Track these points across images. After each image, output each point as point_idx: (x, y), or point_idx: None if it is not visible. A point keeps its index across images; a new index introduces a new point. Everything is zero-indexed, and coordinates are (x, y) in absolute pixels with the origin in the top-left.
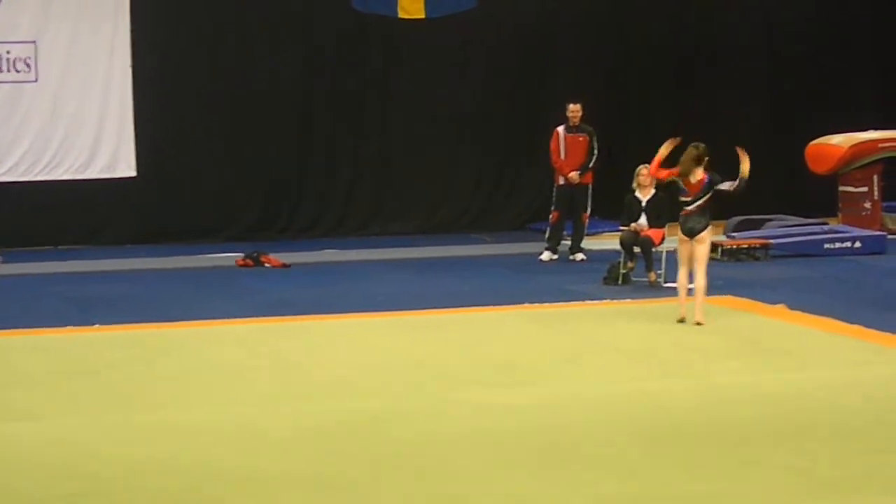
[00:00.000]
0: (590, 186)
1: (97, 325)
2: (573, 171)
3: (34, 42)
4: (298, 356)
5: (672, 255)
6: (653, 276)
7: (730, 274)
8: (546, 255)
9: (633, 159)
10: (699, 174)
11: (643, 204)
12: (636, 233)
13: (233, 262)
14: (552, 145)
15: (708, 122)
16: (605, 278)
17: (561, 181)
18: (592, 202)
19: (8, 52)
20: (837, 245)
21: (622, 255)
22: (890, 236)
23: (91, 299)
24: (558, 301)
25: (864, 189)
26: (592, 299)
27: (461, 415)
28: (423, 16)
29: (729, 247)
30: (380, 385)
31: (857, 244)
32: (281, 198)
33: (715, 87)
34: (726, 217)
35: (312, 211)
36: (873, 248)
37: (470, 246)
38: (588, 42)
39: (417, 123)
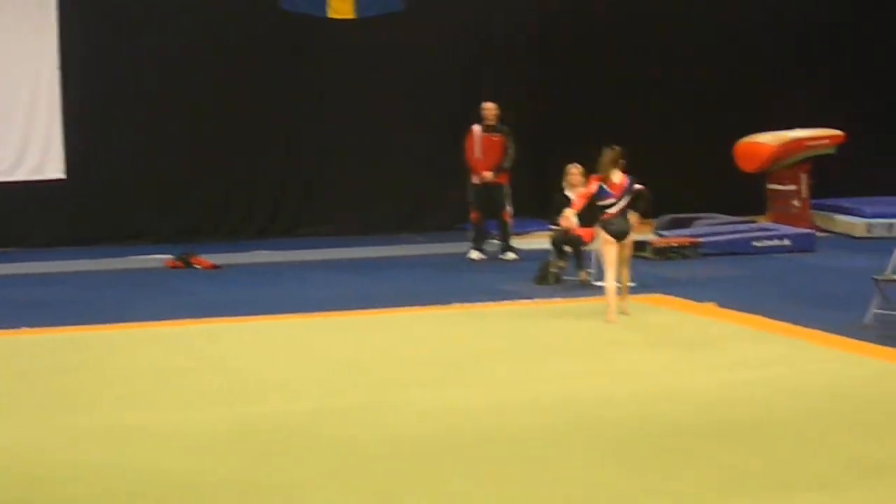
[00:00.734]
0: (505, 186)
1: (25, 329)
2: (488, 170)
3: None
4: (231, 358)
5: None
6: (584, 274)
7: (659, 272)
8: (475, 255)
9: (561, 159)
10: (619, 176)
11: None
12: (567, 232)
13: (162, 264)
14: (467, 144)
15: (635, 122)
16: (536, 277)
17: (476, 180)
18: (521, 200)
19: None
20: (766, 243)
21: (553, 254)
22: (818, 234)
23: (20, 302)
24: (489, 300)
25: (793, 187)
26: (523, 298)
27: (394, 415)
28: (352, 16)
29: (658, 245)
30: (313, 386)
31: (786, 242)
32: (211, 199)
33: (642, 86)
34: (656, 216)
35: (242, 212)
36: (802, 245)
37: (401, 246)
38: (517, 42)
39: (347, 124)
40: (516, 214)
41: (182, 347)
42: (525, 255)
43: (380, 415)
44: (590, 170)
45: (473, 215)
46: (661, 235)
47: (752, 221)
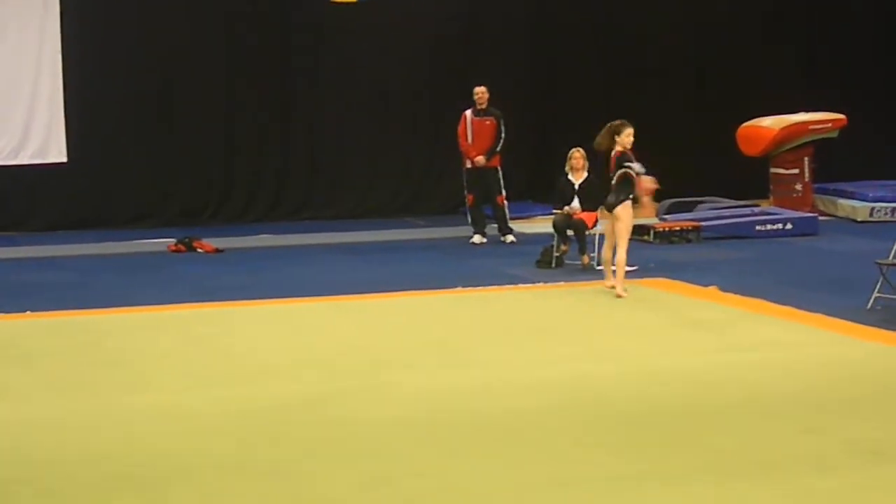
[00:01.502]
0: (498, 169)
1: (29, 312)
2: (480, 154)
3: None
4: (232, 341)
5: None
6: (586, 258)
7: (662, 256)
8: (476, 238)
9: (565, 143)
10: (616, 150)
11: (576, 187)
12: (569, 216)
13: (165, 248)
14: (459, 129)
15: (639, 105)
16: (538, 261)
17: (468, 164)
18: (525, 185)
19: None
20: (769, 227)
21: (555, 238)
22: (821, 218)
23: (23, 286)
24: (492, 284)
25: (795, 171)
26: (526, 282)
27: (394, 398)
28: (354, 0)
29: (661, 229)
30: (314, 369)
31: (789, 226)
32: (213, 183)
33: (645, 69)
34: (658, 199)
35: (244, 196)
36: (805, 229)
37: (403, 230)
38: (515, 27)
39: (347, 108)
40: (518, 198)
41: (184, 331)
42: (527, 240)
43: (380, 397)
44: (592, 153)
45: (469, 199)
46: (663, 219)
47: (755, 205)
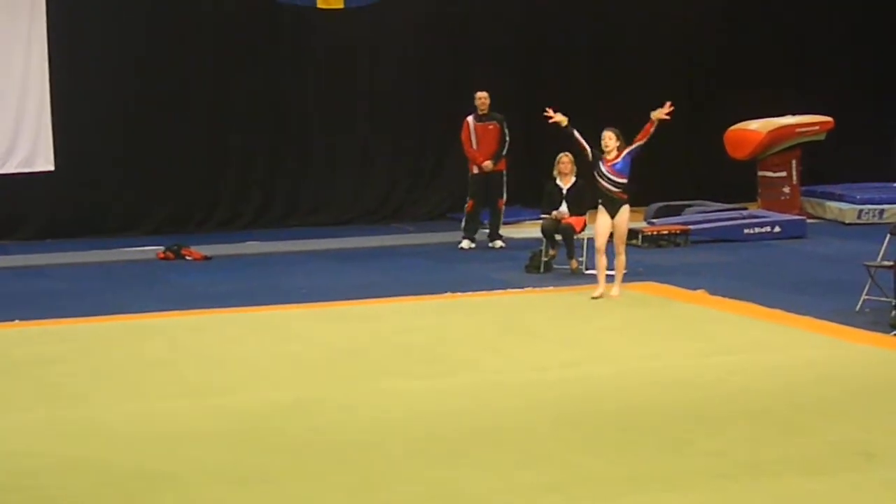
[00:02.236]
0: (504, 173)
1: (17, 321)
2: (486, 159)
3: None
4: (220, 349)
5: (594, 242)
6: (574, 263)
7: (650, 260)
8: (465, 244)
9: (552, 147)
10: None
11: (564, 192)
12: (557, 221)
13: (154, 256)
14: (463, 135)
15: (626, 111)
16: (527, 266)
17: (475, 170)
18: (514, 190)
19: None
20: (757, 230)
21: (544, 243)
22: (809, 220)
23: (11, 295)
24: (481, 289)
25: (783, 174)
26: (515, 287)
27: (384, 404)
28: (341, 6)
29: (649, 233)
30: (303, 376)
31: (777, 229)
32: (201, 190)
33: (631, 74)
34: (646, 203)
35: (233, 203)
36: (793, 232)
37: (391, 236)
38: (504, 31)
39: (335, 115)
40: (507, 203)
41: (172, 339)
42: (516, 244)
43: (370, 403)
44: (579, 158)
45: (469, 204)
46: (651, 223)
47: (743, 208)
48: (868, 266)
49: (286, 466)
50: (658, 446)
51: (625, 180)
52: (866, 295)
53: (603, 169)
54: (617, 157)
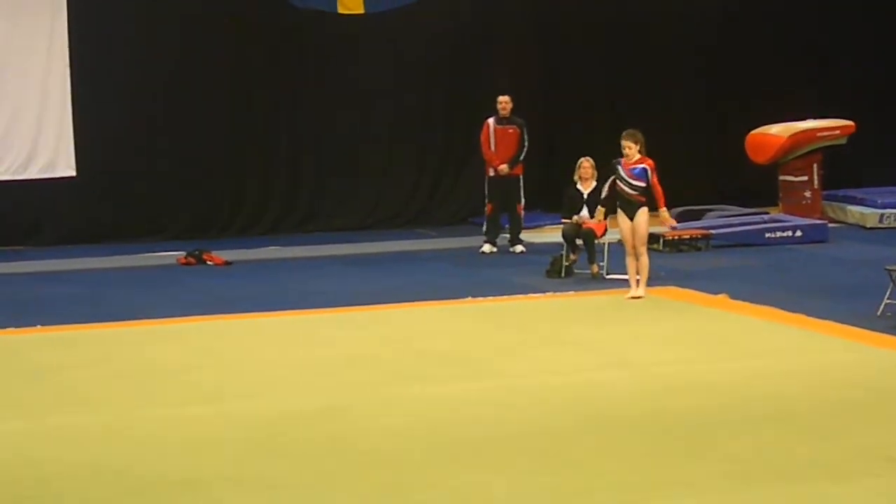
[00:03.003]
0: (521, 178)
1: (39, 327)
2: (503, 162)
3: None
4: (241, 354)
5: (614, 246)
6: (595, 268)
7: (671, 264)
8: (487, 248)
9: (574, 152)
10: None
11: (585, 196)
12: (578, 225)
13: (175, 261)
14: (482, 137)
15: (647, 115)
16: (547, 271)
17: (492, 173)
18: (534, 194)
19: None
20: (778, 234)
21: (564, 248)
22: (830, 225)
23: (33, 300)
24: (502, 294)
25: (804, 178)
26: (536, 292)
27: (405, 409)
28: (362, 11)
29: (670, 237)
30: (323, 381)
31: (798, 233)
32: (222, 195)
33: (653, 79)
34: (667, 208)
35: (254, 208)
36: (814, 236)
37: (412, 241)
38: (526, 37)
39: (356, 120)
40: (528, 208)
41: (194, 344)
42: (537, 249)
43: (390, 408)
44: (601, 163)
45: (488, 207)
46: (672, 228)
47: (765, 213)
48: (889, 270)
49: (307, 473)
50: (680, 451)
51: (643, 184)
52: (888, 299)
53: (622, 173)
54: (637, 161)
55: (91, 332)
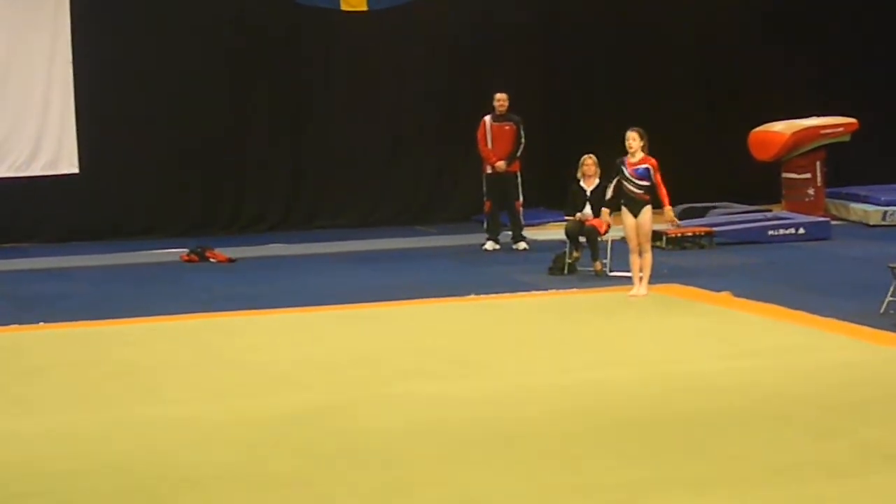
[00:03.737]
0: (518, 175)
1: (42, 324)
2: (500, 159)
3: None
4: (245, 351)
5: (618, 244)
6: (598, 265)
7: (674, 262)
8: (489, 245)
9: (577, 150)
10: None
11: (588, 194)
12: (581, 223)
13: (178, 258)
14: (479, 134)
15: (650, 113)
16: (550, 268)
17: (489, 170)
18: (537, 192)
19: None
20: (781, 232)
21: (568, 245)
22: (833, 222)
23: (35, 297)
24: (505, 292)
25: (807, 175)
26: (539, 289)
27: (408, 407)
28: (365, 8)
29: (673, 235)
30: (326, 378)
31: (801, 230)
32: (225, 193)
33: (655, 77)
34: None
35: (257, 205)
36: (817, 234)
37: (415, 238)
38: (527, 35)
39: (359, 118)
40: (530, 205)
41: (196, 341)
42: (540, 247)
43: (393, 406)
44: (604, 160)
45: (487, 204)
46: (677, 226)
47: (767, 210)
48: (892, 268)
49: (310, 470)
50: (682, 449)
51: (647, 183)
52: (891, 296)
53: (626, 172)
54: (640, 161)
55: (94, 330)
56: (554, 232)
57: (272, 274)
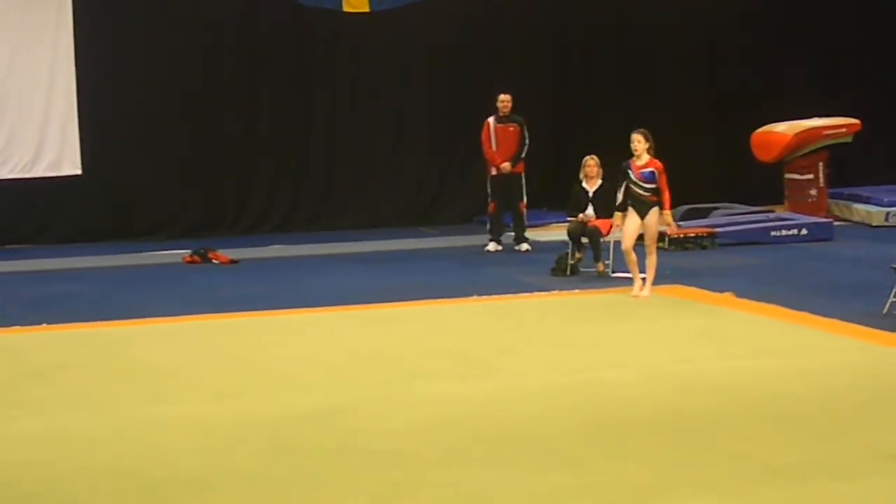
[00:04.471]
0: (523, 176)
1: (45, 325)
2: (505, 161)
3: None
4: (248, 352)
5: (620, 245)
6: (601, 266)
7: (677, 263)
8: (492, 246)
9: (578, 150)
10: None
11: (590, 194)
12: (584, 223)
13: (180, 259)
14: (483, 136)
15: (653, 114)
16: (553, 269)
17: (493, 171)
18: (540, 193)
19: None
20: (784, 232)
21: (570, 246)
22: (836, 223)
23: (38, 299)
24: (507, 292)
25: (810, 176)
26: (541, 290)
27: (411, 407)
28: (367, 9)
29: (676, 236)
30: (330, 379)
31: (804, 231)
32: (228, 194)
33: (658, 78)
34: (673, 206)
35: (259, 206)
36: (820, 235)
37: (418, 239)
38: (532, 37)
39: (362, 119)
40: (532, 206)
41: (199, 342)
42: (542, 247)
43: (397, 407)
44: (606, 162)
45: (491, 206)
46: (678, 226)
47: (770, 211)
48: (895, 268)
49: (315, 471)
50: (686, 450)
51: (654, 186)
52: (894, 297)
53: (632, 175)
54: (646, 164)
55: (97, 331)
56: (556, 233)
57: (275, 275)
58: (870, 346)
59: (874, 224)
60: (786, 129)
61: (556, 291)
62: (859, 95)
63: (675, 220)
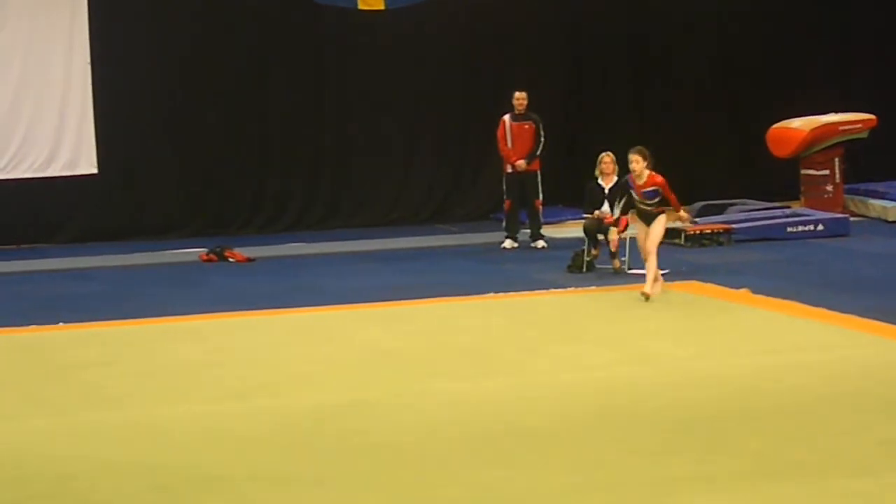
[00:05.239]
0: (538, 173)
1: (62, 324)
2: (520, 158)
3: None
4: (264, 350)
5: (636, 242)
6: (617, 263)
7: (693, 259)
8: (508, 243)
9: (594, 147)
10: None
11: (606, 191)
12: (600, 220)
13: (197, 258)
14: (499, 133)
15: (668, 110)
16: (569, 266)
17: (509, 169)
18: (556, 190)
19: None
20: (800, 228)
21: (586, 243)
22: (852, 218)
23: (55, 298)
24: (524, 290)
25: (826, 172)
26: (557, 287)
27: (428, 406)
28: (382, 7)
29: (692, 232)
30: (346, 378)
31: (820, 227)
32: (244, 192)
33: (674, 74)
34: (689, 202)
35: (275, 204)
36: (836, 230)
37: (434, 236)
38: (546, 33)
39: (377, 116)
40: (549, 203)
41: (216, 341)
42: (558, 244)
43: (414, 405)
44: (622, 158)
45: (507, 203)
46: (694, 222)
47: (786, 207)
48: None
49: (332, 469)
50: (702, 447)
51: (658, 199)
52: None
53: (634, 196)
54: (647, 183)
55: (114, 330)
56: (572, 230)
57: (291, 273)
58: (887, 341)
59: (890, 219)
60: (801, 124)
61: (572, 288)
62: (875, 91)
63: (691, 216)
